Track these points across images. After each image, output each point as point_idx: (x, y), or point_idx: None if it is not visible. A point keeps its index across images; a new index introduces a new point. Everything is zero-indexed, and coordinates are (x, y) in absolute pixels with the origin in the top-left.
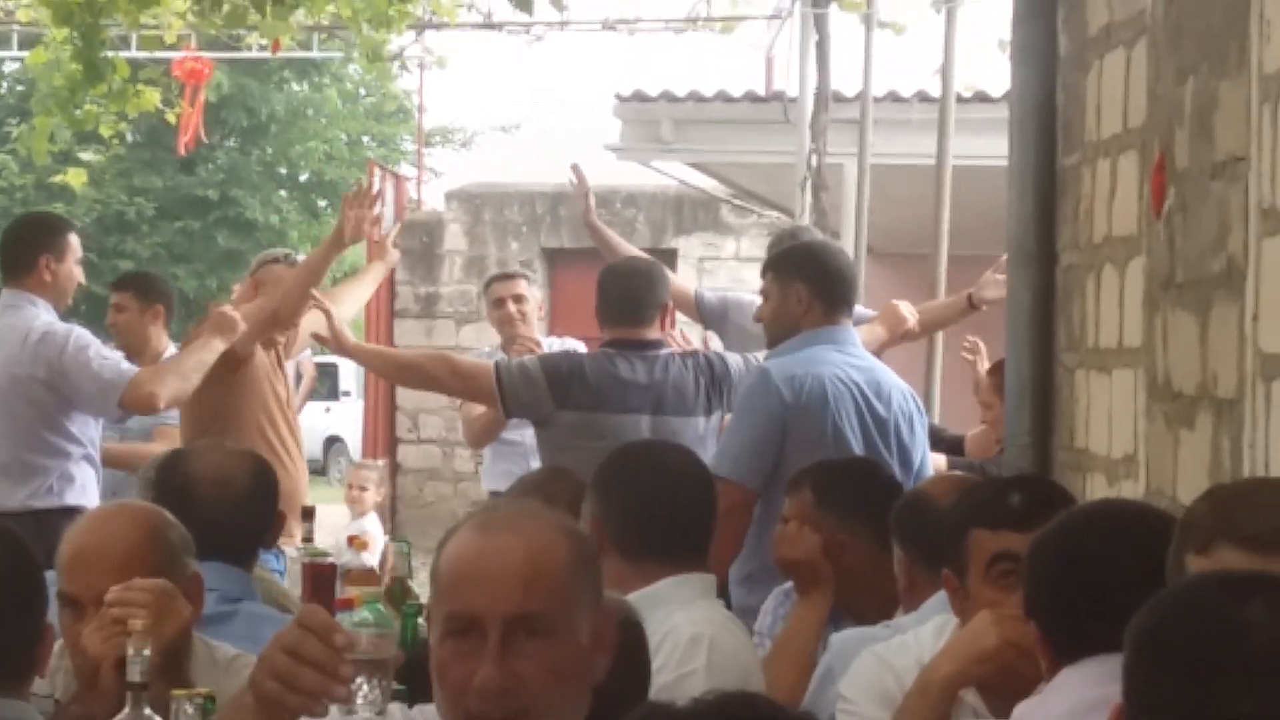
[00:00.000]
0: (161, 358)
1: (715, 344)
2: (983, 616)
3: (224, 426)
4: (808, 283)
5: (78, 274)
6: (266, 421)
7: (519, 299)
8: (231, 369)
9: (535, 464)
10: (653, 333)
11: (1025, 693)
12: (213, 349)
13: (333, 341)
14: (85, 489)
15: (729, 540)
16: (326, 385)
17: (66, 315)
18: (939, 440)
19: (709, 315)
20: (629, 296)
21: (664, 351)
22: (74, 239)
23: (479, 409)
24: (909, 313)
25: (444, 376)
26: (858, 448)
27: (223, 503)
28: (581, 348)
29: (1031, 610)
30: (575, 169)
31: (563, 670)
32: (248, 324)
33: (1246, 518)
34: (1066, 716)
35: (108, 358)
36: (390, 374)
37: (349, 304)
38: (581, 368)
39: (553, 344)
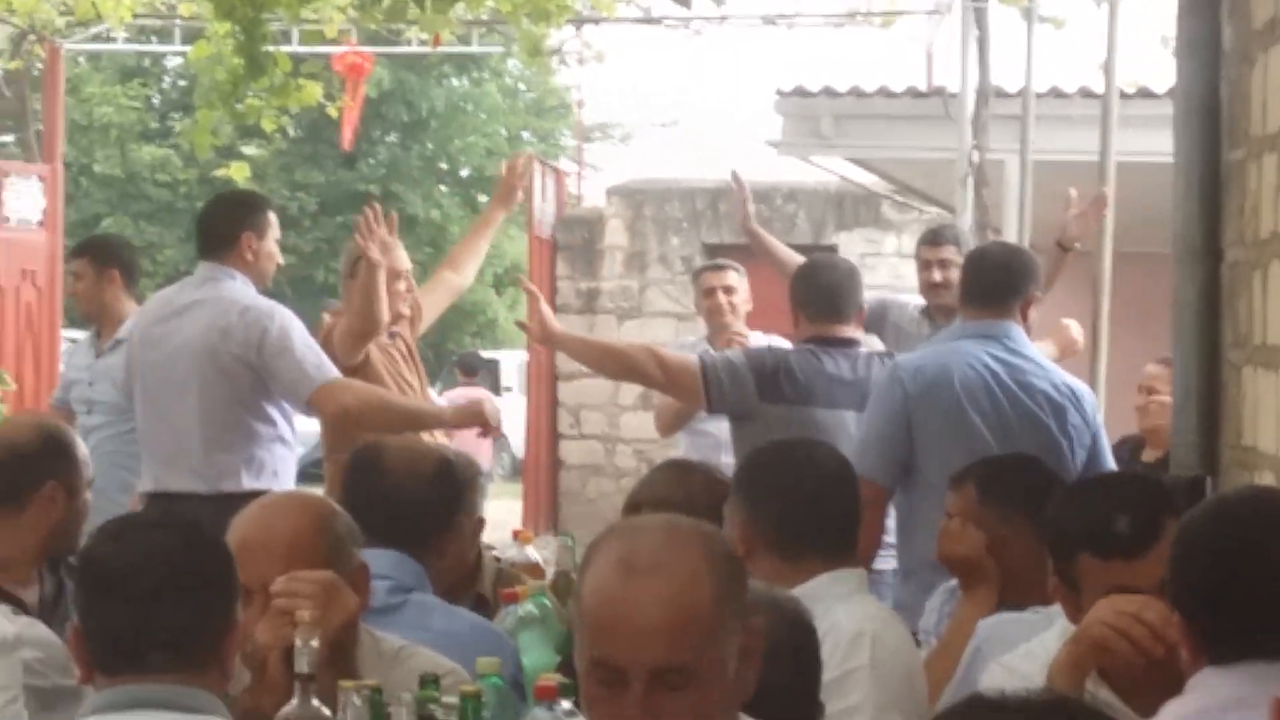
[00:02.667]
0: (124, 322)
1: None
2: (1099, 605)
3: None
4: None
5: (277, 254)
6: None
7: (729, 290)
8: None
9: (728, 457)
10: (852, 330)
11: (1171, 689)
12: (430, 416)
13: (537, 329)
14: (276, 474)
15: (865, 537)
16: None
17: None
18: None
19: (869, 317)
20: (832, 293)
21: (863, 350)
22: (274, 217)
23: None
24: (1078, 334)
25: (651, 368)
26: (992, 439)
27: (405, 491)
28: (787, 344)
29: (1176, 602)
30: (735, 176)
31: (710, 710)
32: (342, 342)
33: None
34: (1217, 710)
35: (313, 347)
36: (594, 361)
37: (471, 263)
38: (788, 362)
39: (758, 338)
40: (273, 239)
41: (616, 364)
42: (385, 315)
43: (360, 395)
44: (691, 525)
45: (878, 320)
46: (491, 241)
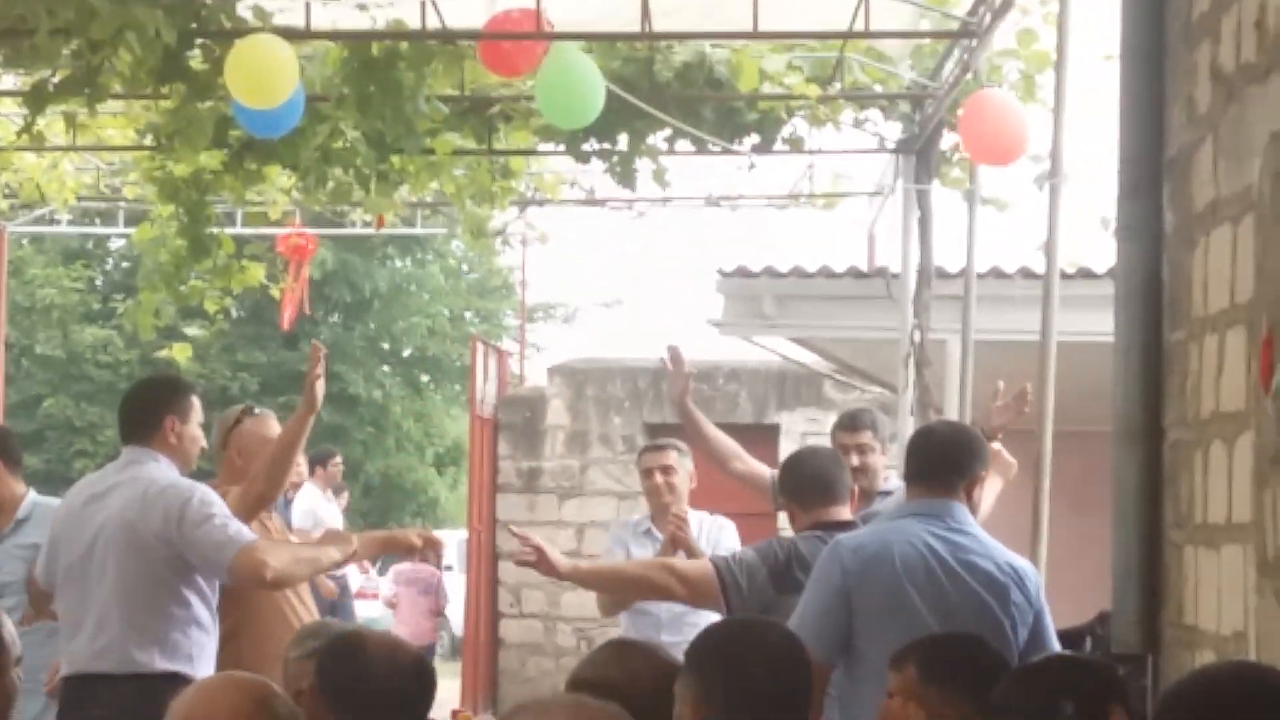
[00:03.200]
0: (17, 502)
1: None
2: None
3: (245, 607)
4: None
5: (200, 437)
6: (281, 597)
7: (667, 470)
8: None
9: (669, 636)
10: (848, 513)
11: None
12: (328, 556)
13: (545, 569)
14: (192, 658)
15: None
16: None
17: None
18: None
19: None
20: (824, 480)
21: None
22: (197, 401)
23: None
24: (1009, 458)
25: (672, 585)
26: (932, 618)
27: (389, 685)
28: (730, 525)
29: None
30: (672, 350)
31: None
32: (237, 511)
33: None
34: None
35: (231, 518)
36: (614, 589)
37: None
38: (798, 551)
39: (702, 519)
40: (196, 422)
41: (636, 587)
42: (286, 483)
43: (273, 551)
44: (599, 707)
45: None
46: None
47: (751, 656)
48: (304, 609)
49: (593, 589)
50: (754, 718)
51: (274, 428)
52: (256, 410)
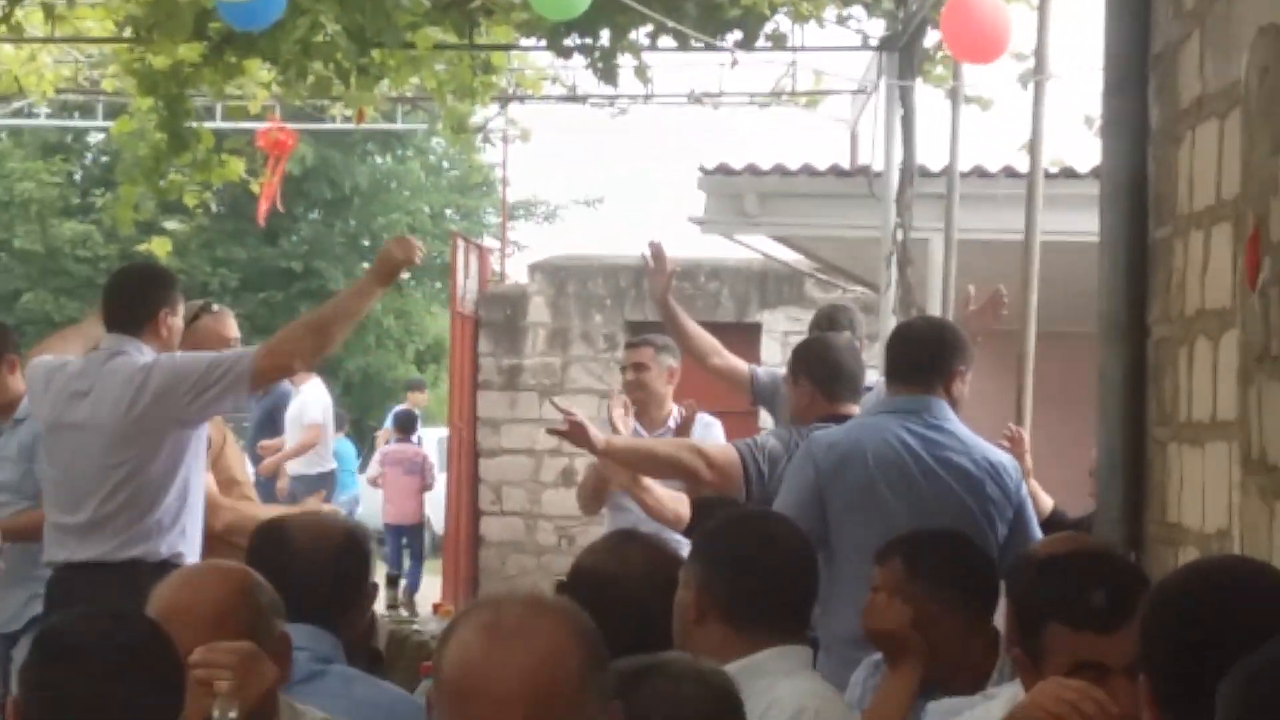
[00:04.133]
0: (15, 402)
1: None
2: (1040, 686)
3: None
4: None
5: (181, 329)
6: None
7: (640, 367)
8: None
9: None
10: (857, 409)
11: None
12: (368, 294)
13: (579, 440)
14: (183, 548)
15: None
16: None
17: None
18: (1060, 526)
19: (760, 392)
20: (853, 378)
21: None
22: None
23: (594, 475)
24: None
25: (700, 467)
26: (904, 514)
27: (315, 566)
28: (717, 423)
29: (1145, 662)
30: (654, 245)
31: None
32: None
33: None
34: None
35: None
36: (645, 465)
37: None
38: None
39: (694, 416)
40: (182, 315)
41: (664, 465)
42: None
43: (286, 334)
44: (557, 601)
45: (769, 396)
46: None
47: (758, 547)
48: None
49: (624, 464)
50: (753, 611)
51: (231, 325)
52: (215, 307)
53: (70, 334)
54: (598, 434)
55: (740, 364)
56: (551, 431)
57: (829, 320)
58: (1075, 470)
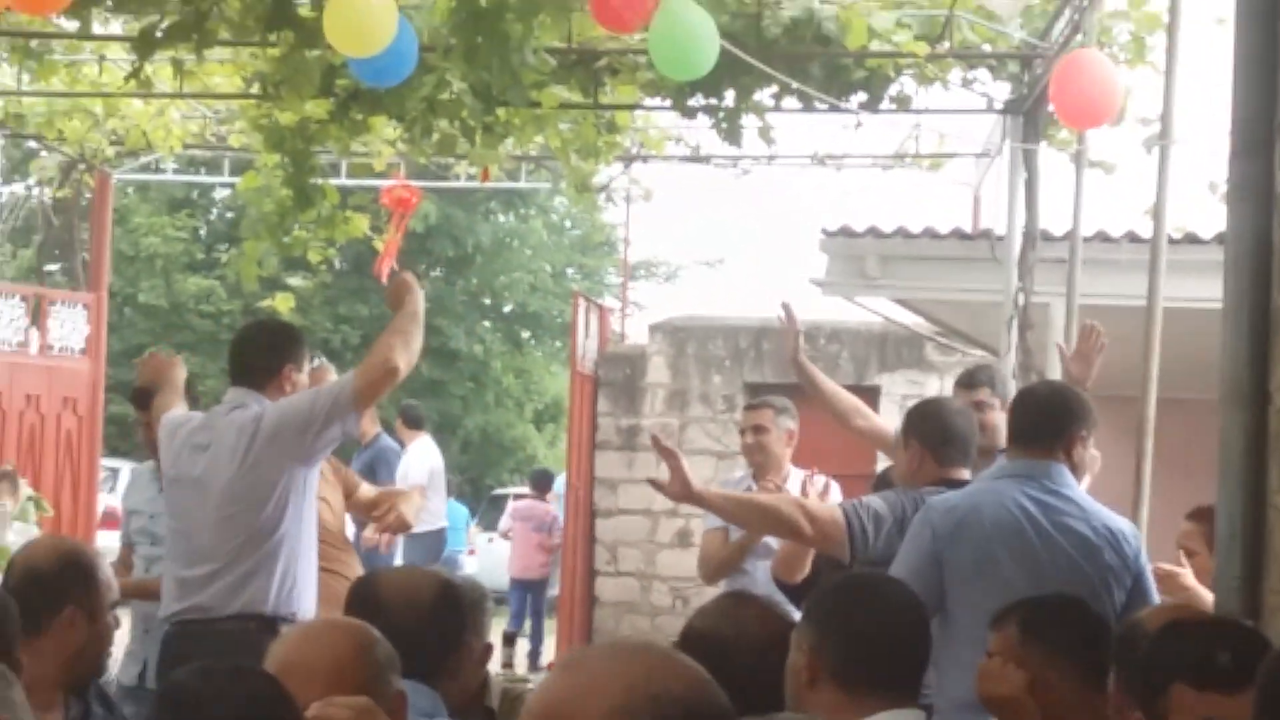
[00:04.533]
0: None
1: None
2: None
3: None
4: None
5: (305, 386)
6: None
7: (759, 429)
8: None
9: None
10: (969, 474)
11: None
12: (418, 305)
13: (677, 487)
14: (298, 605)
15: None
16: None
17: None
18: None
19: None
20: (965, 441)
21: None
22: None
23: (719, 544)
24: (1094, 451)
25: (801, 523)
26: (1022, 580)
27: (407, 620)
28: (835, 485)
29: None
30: (785, 306)
31: None
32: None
33: None
34: None
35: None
36: (743, 516)
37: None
38: (923, 504)
39: (814, 480)
40: (304, 373)
41: (764, 518)
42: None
43: (379, 349)
44: (634, 652)
45: None
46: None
47: (870, 611)
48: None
49: (721, 514)
50: (864, 673)
51: (331, 378)
52: (316, 361)
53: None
54: (694, 479)
55: (885, 425)
56: (655, 485)
57: (969, 377)
58: None
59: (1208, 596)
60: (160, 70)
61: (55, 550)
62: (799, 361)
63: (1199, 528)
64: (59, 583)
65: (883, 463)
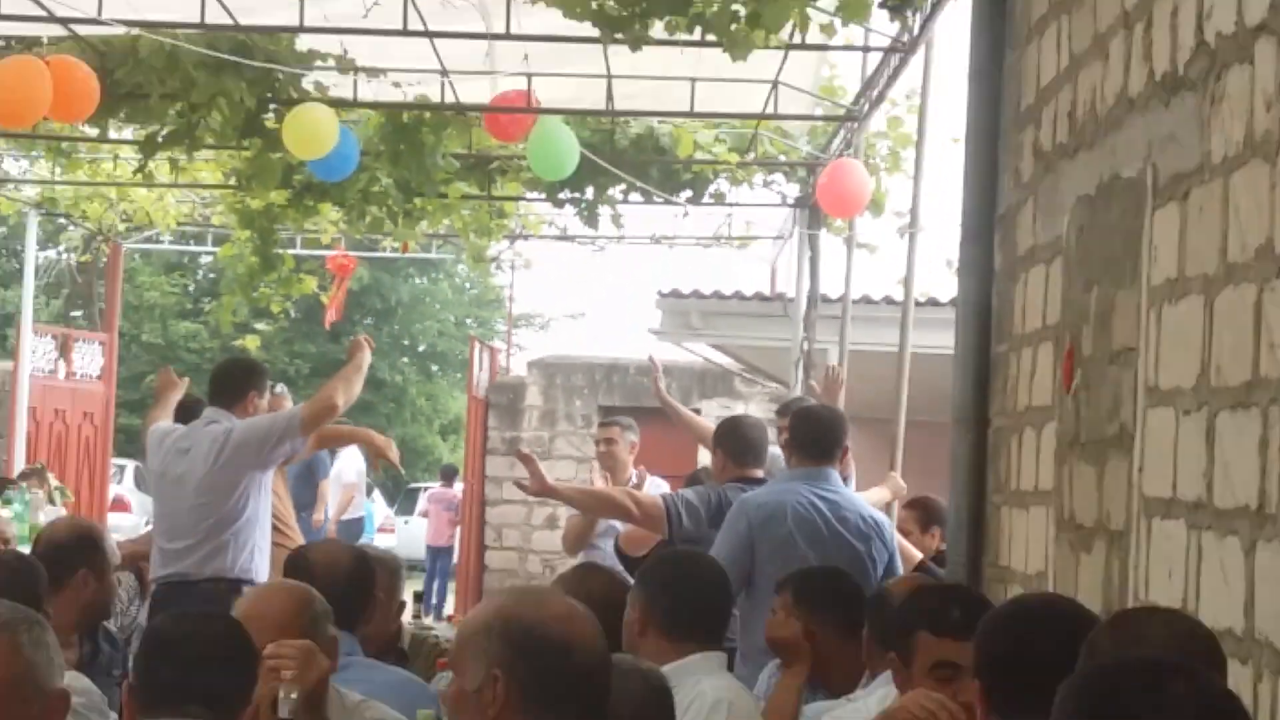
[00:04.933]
0: None
1: None
2: (910, 694)
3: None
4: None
5: (265, 409)
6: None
7: (609, 441)
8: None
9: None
10: (761, 473)
11: None
12: (360, 366)
13: (536, 485)
14: (253, 569)
15: None
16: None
17: None
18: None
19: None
20: (755, 446)
21: None
22: (268, 382)
23: (577, 524)
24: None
25: (631, 508)
26: (813, 558)
27: (329, 581)
28: (665, 484)
29: (979, 670)
30: (652, 359)
31: None
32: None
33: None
34: None
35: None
36: (586, 504)
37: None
38: (726, 497)
39: (644, 476)
40: (265, 398)
41: (603, 505)
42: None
43: (325, 389)
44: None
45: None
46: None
47: (687, 578)
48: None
49: (570, 503)
50: (682, 625)
51: (289, 402)
52: (278, 389)
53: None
54: (548, 480)
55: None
56: (520, 485)
57: (784, 408)
58: None
59: (914, 554)
60: (160, 166)
61: (72, 526)
62: (663, 398)
63: (912, 514)
64: (74, 551)
65: (704, 463)
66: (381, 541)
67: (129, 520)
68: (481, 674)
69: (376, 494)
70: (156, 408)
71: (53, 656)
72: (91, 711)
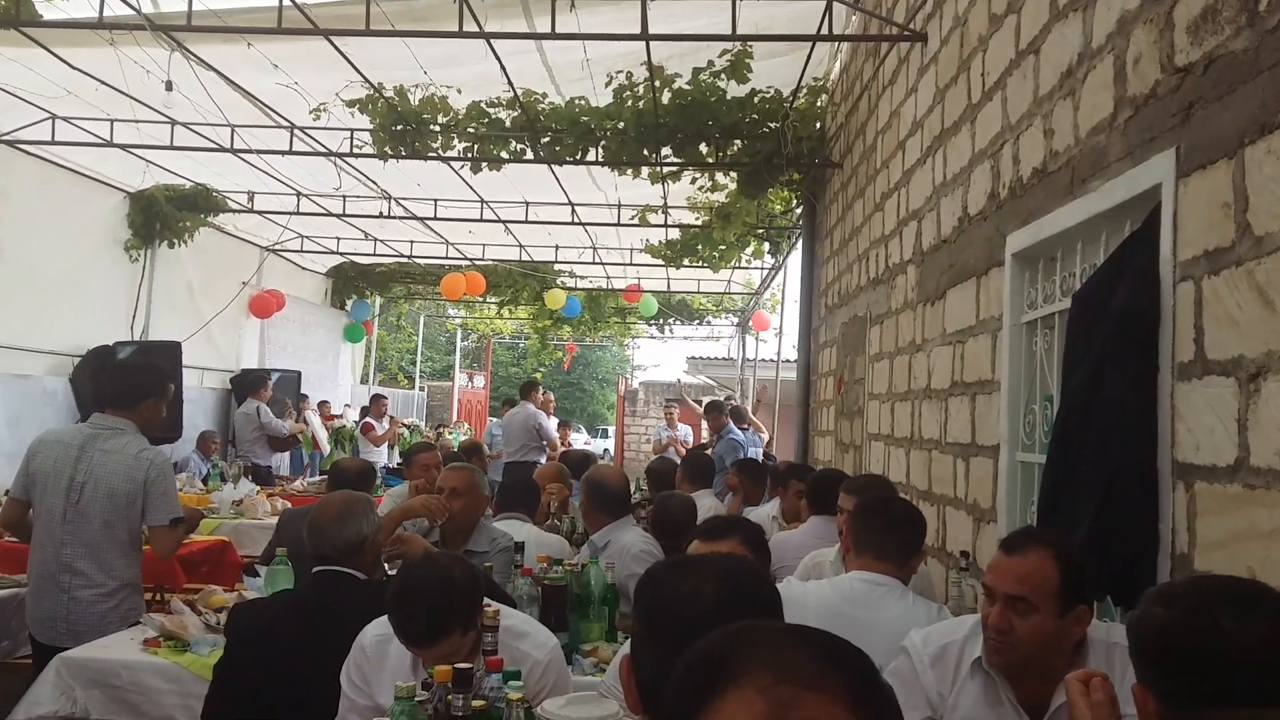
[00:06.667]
0: None
1: None
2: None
3: None
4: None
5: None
6: None
7: (669, 410)
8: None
9: None
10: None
11: None
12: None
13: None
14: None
15: None
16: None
17: None
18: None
19: None
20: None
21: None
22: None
23: None
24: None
25: None
26: None
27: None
28: (690, 430)
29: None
30: (679, 381)
31: None
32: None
33: None
34: None
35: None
36: None
37: None
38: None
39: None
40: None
41: None
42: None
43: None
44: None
45: None
46: None
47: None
48: None
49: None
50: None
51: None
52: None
53: None
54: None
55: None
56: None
57: (712, 404)
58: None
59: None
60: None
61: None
62: (683, 396)
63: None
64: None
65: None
66: None
67: None
68: None
69: None
70: None
71: None
72: None
